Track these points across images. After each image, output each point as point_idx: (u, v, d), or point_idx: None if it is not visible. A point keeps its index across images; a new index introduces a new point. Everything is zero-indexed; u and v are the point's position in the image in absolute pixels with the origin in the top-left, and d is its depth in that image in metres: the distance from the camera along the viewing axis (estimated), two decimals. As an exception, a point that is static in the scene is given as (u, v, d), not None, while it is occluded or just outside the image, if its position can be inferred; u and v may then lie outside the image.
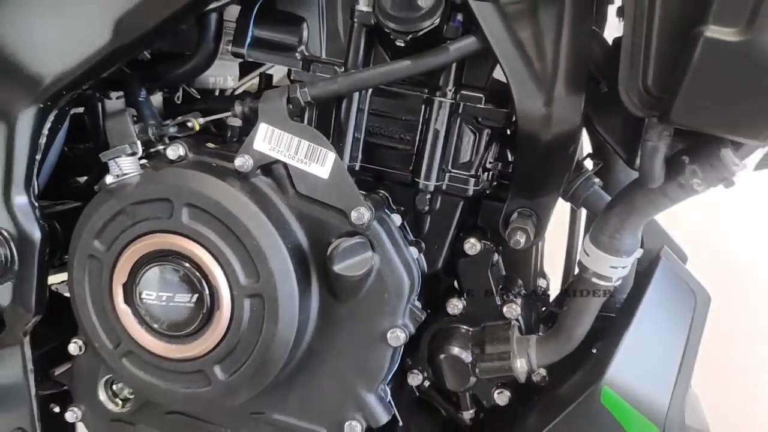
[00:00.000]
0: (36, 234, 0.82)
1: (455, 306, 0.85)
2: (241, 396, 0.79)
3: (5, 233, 0.81)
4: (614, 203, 0.70)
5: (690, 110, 0.56)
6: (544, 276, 0.97)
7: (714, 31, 0.53)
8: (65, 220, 0.87)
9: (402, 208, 0.82)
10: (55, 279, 0.92)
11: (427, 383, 0.89)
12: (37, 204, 0.83)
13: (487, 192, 0.86)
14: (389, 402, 0.81)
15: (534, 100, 0.71)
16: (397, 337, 0.76)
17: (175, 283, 0.75)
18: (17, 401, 0.91)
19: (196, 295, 0.75)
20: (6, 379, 0.90)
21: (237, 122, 0.84)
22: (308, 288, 0.76)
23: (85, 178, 1.05)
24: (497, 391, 0.86)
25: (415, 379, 0.88)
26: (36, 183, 0.83)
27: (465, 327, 0.85)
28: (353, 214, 0.74)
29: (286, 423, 0.82)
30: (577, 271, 0.77)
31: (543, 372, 0.85)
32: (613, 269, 0.72)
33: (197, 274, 0.74)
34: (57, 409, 0.98)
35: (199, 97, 0.98)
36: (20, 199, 0.82)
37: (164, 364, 0.78)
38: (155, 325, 0.77)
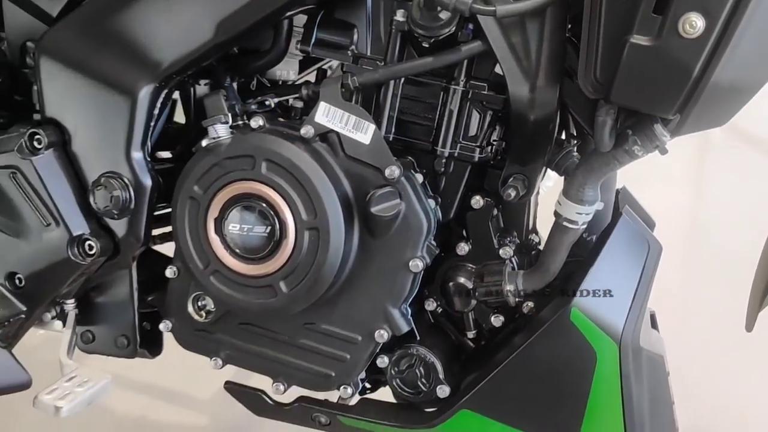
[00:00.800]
0: (148, 182, 1.09)
1: (463, 248, 1.10)
2: (299, 305, 1.04)
3: (126, 179, 1.08)
4: (580, 165, 0.95)
5: (622, 93, 0.81)
6: (536, 233, 1.21)
7: (636, 39, 0.78)
8: (162, 176, 1.14)
9: (424, 170, 1.07)
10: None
11: (439, 309, 1.14)
12: (149, 159, 1.10)
13: (492, 162, 1.11)
14: (410, 318, 1.06)
15: (522, 88, 0.96)
16: (417, 265, 1.02)
17: (254, 218, 1.01)
18: (123, 314, 1.18)
19: (269, 228, 1.00)
20: (117, 296, 1.18)
21: (299, 104, 1.11)
22: (351, 225, 1.02)
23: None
24: (493, 315, 1.11)
25: (430, 305, 1.12)
26: (149, 144, 1.11)
27: (470, 265, 1.10)
28: (387, 171, 0.99)
29: (331, 331, 1.07)
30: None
31: (531, 304, 1.10)
32: (578, 215, 0.96)
33: (271, 211, 1.00)
34: (148, 327, 1.25)
35: (269, 85, 1.25)
36: (137, 155, 1.08)
37: (242, 280, 1.04)
38: (237, 250, 1.03)
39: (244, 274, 1.04)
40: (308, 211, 0.99)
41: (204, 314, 1.13)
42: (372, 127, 1.00)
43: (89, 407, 1.09)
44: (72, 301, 1.17)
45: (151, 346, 1.23)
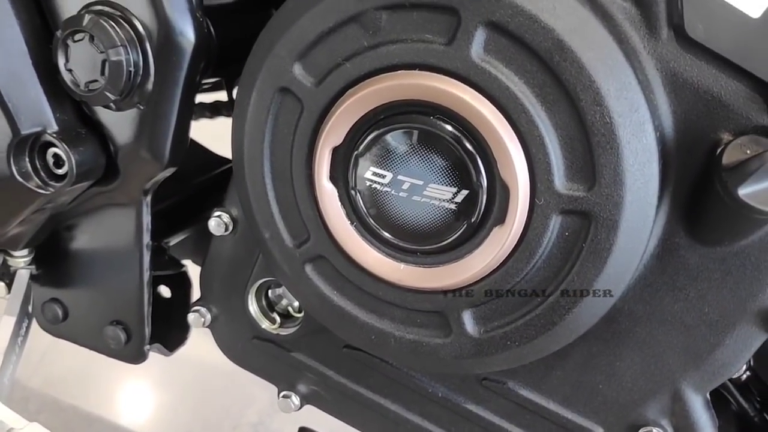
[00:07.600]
0: (189, 35, 0.49)
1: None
2: (491, 365, 0.48)
3: (140, 27, 0.48)
4: None
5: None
6: None
7: None
8: (222, 18, 0.53)
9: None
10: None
11: (745, 375, 0.57)
12: (196, -13, 0.49)
13: None
14: (713, 412, 0.50)
15: None
16: (788, 322, 0.44)
17: (432, 163, 0.43)
18: (121, 286, 0.62)
19: (465, 192, 0.42)
20: (112, 249, 0.61)
21: None
22: (656, 210, 0.43)
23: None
24: None
25: (735, 368, 0.56)
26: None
27: None
28: (789, 97, 0.39)
29: (537, 405, 0.52)
30: None
31: None
32: None
33: (476, 155, 0.41)
34: (167, 293, 0.70)
35: None
36: (167, -27, 0.48)
37: (377, 289, 0.47)
38: (377, 226, 0.45)
39: (383, 279, 0.46)
40: (575, 169, 0.41)
41: (277, 318, 0.57)
42: (784, -22, 0.38)
43: None
44: (24, 252, 0.60)
45: (169, 334, 0.67)
